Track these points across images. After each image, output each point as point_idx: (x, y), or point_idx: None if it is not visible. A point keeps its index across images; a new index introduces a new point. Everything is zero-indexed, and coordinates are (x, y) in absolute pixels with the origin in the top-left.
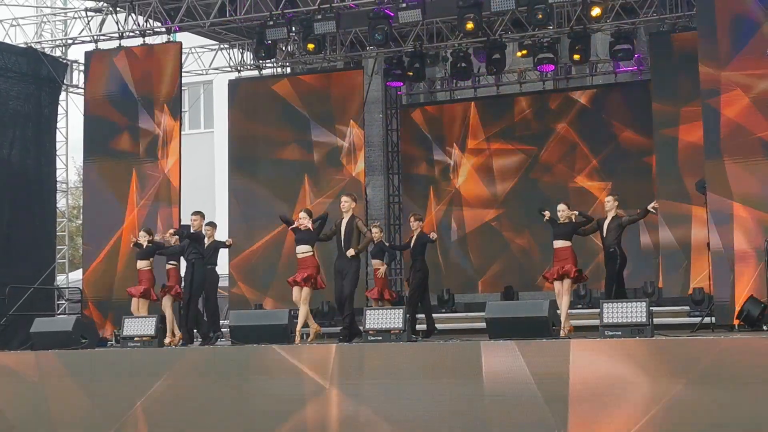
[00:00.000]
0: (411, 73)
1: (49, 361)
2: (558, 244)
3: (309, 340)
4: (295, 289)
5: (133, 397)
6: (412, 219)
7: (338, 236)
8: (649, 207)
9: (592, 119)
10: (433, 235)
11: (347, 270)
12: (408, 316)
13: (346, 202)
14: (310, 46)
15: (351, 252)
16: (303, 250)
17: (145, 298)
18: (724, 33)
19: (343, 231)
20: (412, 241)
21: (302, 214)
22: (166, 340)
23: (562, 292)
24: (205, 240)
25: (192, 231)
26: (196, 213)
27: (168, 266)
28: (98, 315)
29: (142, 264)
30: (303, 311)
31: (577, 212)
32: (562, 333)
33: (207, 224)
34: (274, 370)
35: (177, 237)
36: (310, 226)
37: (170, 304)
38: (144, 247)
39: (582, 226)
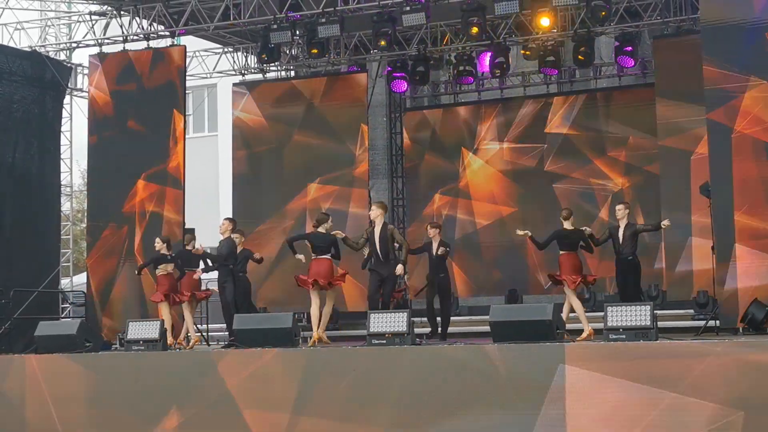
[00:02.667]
0: (417, 77)
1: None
2: (563, 253)
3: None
4: (313, 294)
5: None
6: (429, 227)
7: (373, 245)
8: (662, 223)
9: (596, 122)
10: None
11: (386, 275)
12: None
13: (373, 211)
14: (314, 51)
15: (400, 270)
16: (320, 257)
17: (167, 302)
18: (728, 36)
19: (378, 239)
20: (434, 248)
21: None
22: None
23: (567, 298)
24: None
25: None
26: (228, 219)
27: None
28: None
29: (159, 270)
30: (326, 311)
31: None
32: (584, 335)
33: (237, 231)
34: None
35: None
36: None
37: (189, 308)
38: (167, 256)
39: (587, 241)
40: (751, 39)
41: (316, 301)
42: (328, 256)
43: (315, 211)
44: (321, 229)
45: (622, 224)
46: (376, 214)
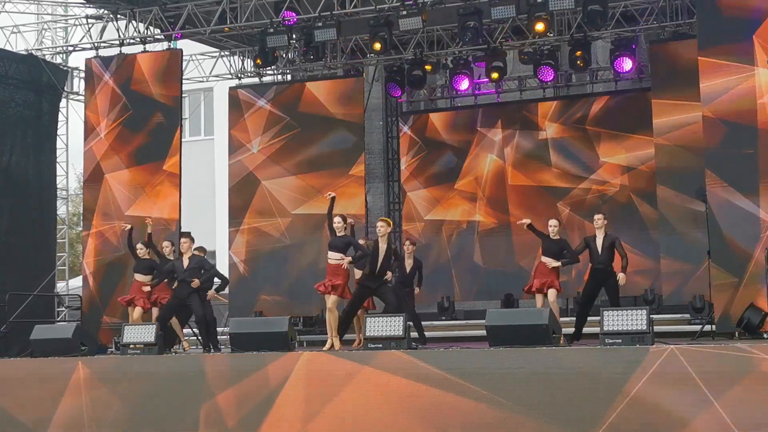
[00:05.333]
0: (415, 79)
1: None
2: (545, 259)
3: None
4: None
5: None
6: (408, 243)
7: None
8: (620, 276)
9: (592, 126)
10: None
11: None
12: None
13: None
14: (310, 55)
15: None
16: (335, 257)
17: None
18: (725, 31)
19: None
20: (408, 267)
21: (336, 219)
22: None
23: (548, 303)
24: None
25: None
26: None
27: None
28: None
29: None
30: (331, 318)
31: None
32: None
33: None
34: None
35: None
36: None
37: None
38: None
39: (569, 258)
40: (748, 34)
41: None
42: (338, 260)
43: (309, 213)
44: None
45: (600, 234)
46: (384, 231)
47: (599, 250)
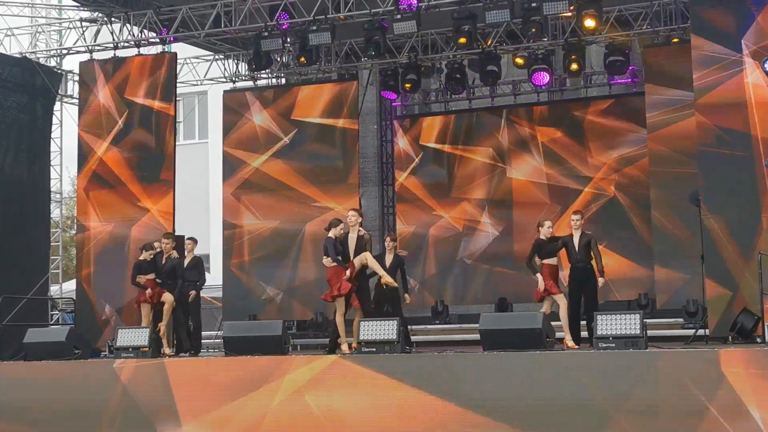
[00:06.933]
0: (408, 85)
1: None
2: (545, 261)
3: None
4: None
5: None
6: (388, 239)
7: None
8: (600, 281)
9: (587, 130)
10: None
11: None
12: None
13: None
14: (302, 59)
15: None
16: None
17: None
18: (718, 44)
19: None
20: (388, 262)
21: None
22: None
23: (559, 308)
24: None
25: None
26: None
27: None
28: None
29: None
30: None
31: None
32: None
33: (188, 238)
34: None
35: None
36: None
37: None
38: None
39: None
40: (740, 30)
41: (339, 309)
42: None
43: (303, 217)
44: (330, 235)
45: (577, 234)
46: (355, 221)
47: (576, 248)
